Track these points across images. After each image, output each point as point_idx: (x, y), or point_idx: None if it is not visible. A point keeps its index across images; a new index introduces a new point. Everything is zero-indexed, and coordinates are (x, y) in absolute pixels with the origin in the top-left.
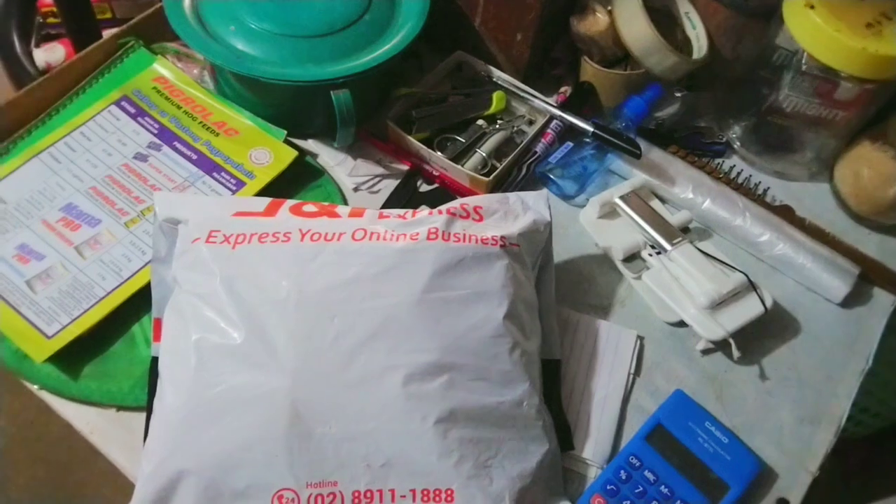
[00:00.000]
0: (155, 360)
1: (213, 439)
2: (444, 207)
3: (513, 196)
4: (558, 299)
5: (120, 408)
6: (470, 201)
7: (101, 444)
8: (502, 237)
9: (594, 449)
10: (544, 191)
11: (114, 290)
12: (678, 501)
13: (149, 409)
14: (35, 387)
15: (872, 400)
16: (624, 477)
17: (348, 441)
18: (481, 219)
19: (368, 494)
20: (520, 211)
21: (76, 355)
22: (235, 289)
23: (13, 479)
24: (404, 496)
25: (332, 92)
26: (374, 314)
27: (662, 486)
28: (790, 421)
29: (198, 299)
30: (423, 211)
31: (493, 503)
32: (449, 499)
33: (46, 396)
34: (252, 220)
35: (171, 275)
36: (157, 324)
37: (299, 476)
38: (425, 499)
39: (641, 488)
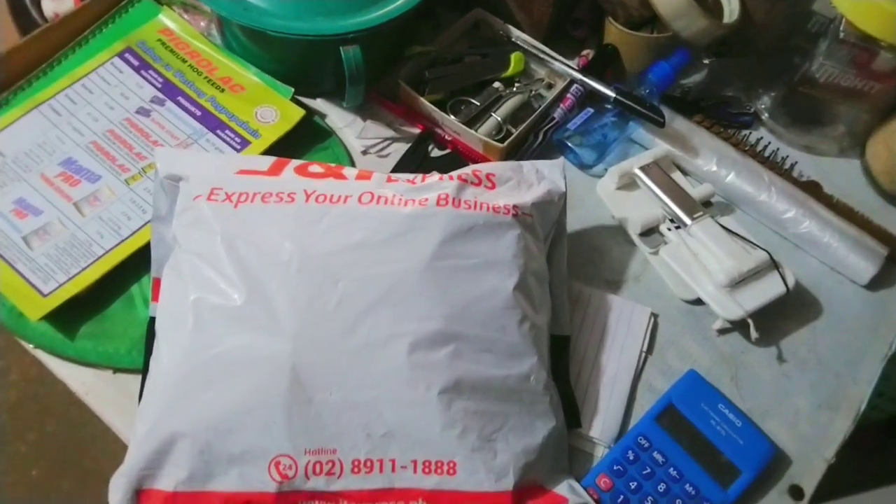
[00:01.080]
0: (153, 320)
1: (210, 402)
2: (455, 173)
3: (527, 164)
4: (570, 273)
5: (117, 369)
6: (482, 168)
7: (97, 405)
8: (515, 206)
9: (602, 428)
10: (560, 160)
11: (113, 248)
12: (687, 485)
13: (145, 371)
14: (30, 346)
15: (890, 384)
16: (632, 457)
17: (349, 409)
18: (493, 186)
19: (368, 463)
20: (534, 180)
21: (73, 315)
22: (236, 249)
23: (23, 435)
24: (405, 466)
25: (341, 48)
26: (380, 280)
27: (671, 469)
28: (807, 406)
29: (197, 258)
30: (433, 176)
31: (496, 477)
32: (451, 471)
33: (42, 356)
34: (255, 179)
35: (171, 233)
36: (157, 284)
37: (297, 442)
38: (426, 469)
39: (649, 470)
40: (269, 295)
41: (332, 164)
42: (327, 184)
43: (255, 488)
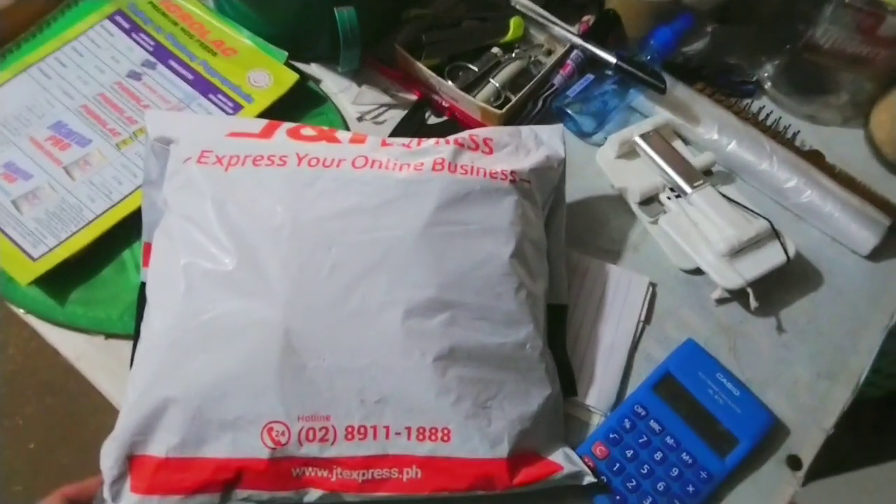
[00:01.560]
0: (143, 286)
1: (202, 367)
2: (451, 138)
3: (526, 129)
4: (568, 241)
5: (108, 335)
6: (480, 132)
7: (89, 371)
8: (512, 172)
9: (598, 396)
10: (560, 125)
11: (103, 213)
12: (684, 453)
13: (136, 337)
14: (21, 311)
15: (888, 360)
16: (628, 426)
17: (343, 375)
18: (491, 151)
19: (362, 430)
20: (532, 146)
21: (64, 280)
22: (227, 213)
23: (22, 408)
24: (399, 433)
25: (336, 9)
26: (374, 246)
27: (668, 437)
28: (806, 376)
29: (188, 222)
30: (430, 140)
31: (490, 444)
32: (445, 437)
33: (33, 321)
34: (247, 142)
35: (162, 197)
36: (147, 249)
37: (290, 408)
38: (421, 436)
39: (646, 438)
40: (261, 260)
41: (326, 128)
42: (320, 147)
43: (248, 454)
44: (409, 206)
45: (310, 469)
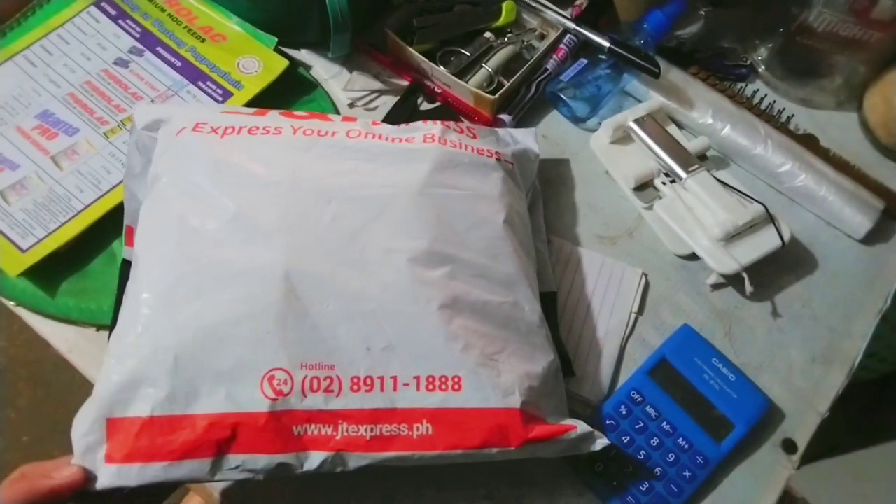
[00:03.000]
0: (126, 264)
1: (197, 313)
2: (438, 122)
3: (501, 131)
4: (562, 228)
5: (99, 327)
6: (463, 122)
7: (80, 362)
8: (497, 152)
9: (591, 387)
10: (532, 129)
11: (92, 203)
12: (680, 438)
13: (116, 309)
14: (11, 303)
15: (881, 344)
16: (624, 412)
17: (347, 321)
18: (475, 137)
19: (368, 381)
20: (510, 142)
21: (53, 271)
22: (223, 171)
23: (13, 401)
24: (407, 384)
25: None
26: (374, 201)
27: (664, 423)
28: (801, 360)
29: (183, 183)
30: (418, 122)
31: (502, 395)
32: (456, 386)
33: (23, 313)
34: (241, 117)
35: (150, 177)
36: (129, 231)
37: (293, 355)
38: (430, 386)
39: (642, 424)
40: (260, 211)
41: (317, 112)
42: (313, 122)
43: (246, 408)
44: (405, 169)
45: (313, 426)
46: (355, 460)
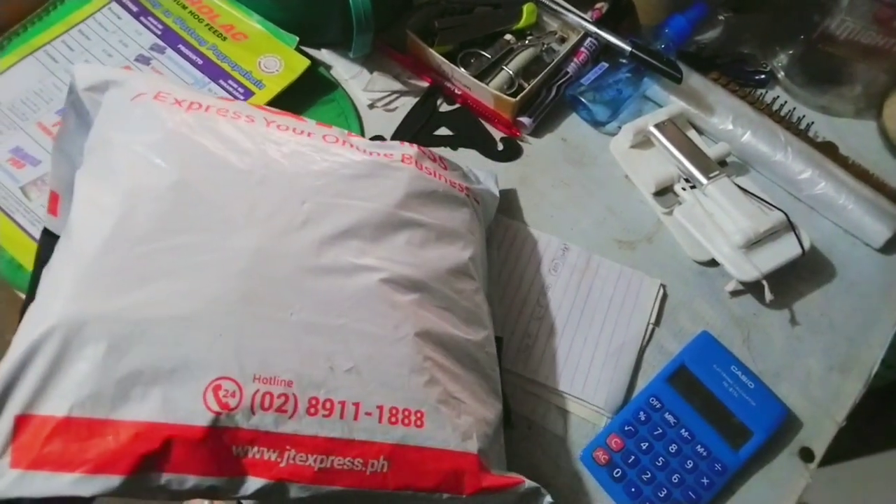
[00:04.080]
0: (45, 233)
1: (137, 304)
2: (414, 145)
3: (465, 168)
4: (581, 234)
5: None
6: (434, 152)
7: None
8: (467, 187)
9: (606, 398)
10: (494, 173)
11: None
12: (698, 445)
13: (33, 286)
14: None
15: (891, 352)
16: (643, 418)
17: (312, 334)
18: (446, 168)
19: (328, 405)
20: (474, 180)
21: None
22: (186, 147)
23: None
24: (370, 413)
25: None
26: (348, 212)
27: (682, 430)
28: (819, 368)
29: (135, 152)
30: (394, 141)
31: (461, 437)
32: (419, 422)
33: None
34: (208, 97)
35: (94, 141)
36: (54, 198)
37: (246, 365)
38: (393, 419)
39: (660, 430)
40: (226, 200)
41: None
42: (287, 119)
43: (182, 419)
44: (380, 185)
45: (256, 449)
46: (297, 491)
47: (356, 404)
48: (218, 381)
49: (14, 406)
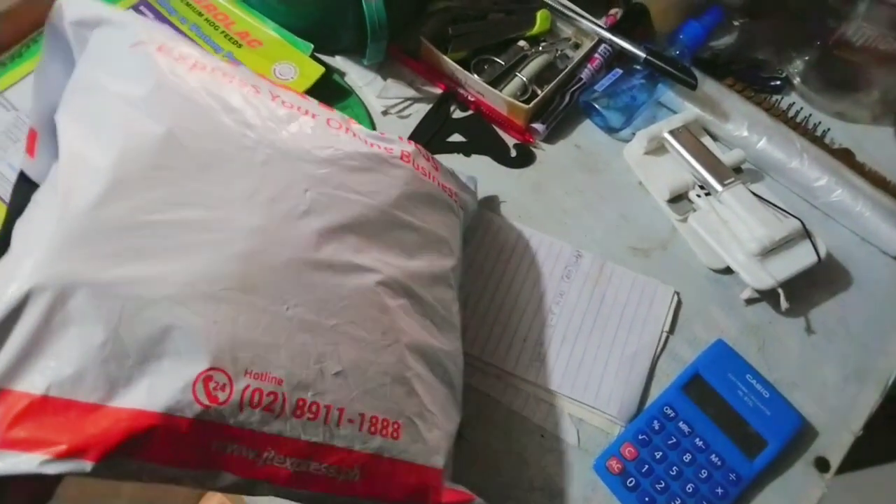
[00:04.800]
0: (23, 180)
1: (135, 277)
2: (412, 142)
3: (452, 171)
4: (595, 241)
5: None
6: (426, 150)
7: None
8: (455, 192)
9: (620, 406)
10: (475, 178)
11: None
12: (713, 455)
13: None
14: None
15: None
16: (657, 427)
17: (306, 332)
18: (437, 170)
19: (314, 408)
20: (460, 185)
21: None
22: (188, 111)
23: None
24: (353, 420)
25: (364, 0)
26: (348, 206)
27: (697, 439)
28: (835, 377)
29: (137, 103)
30: (393, 135)
31: (430, 452)
32: (395, 434)
33: None
34: (210, 57)
35: (84, 80)
36: (32, 136)
37: (239, 358)
38: (373, 428)
39: (675, 439)
40: (229, 177)
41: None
42: (291, 95)
43: (167, 409)
44: (380, 181)
45: (236, 446)
46: (264, 490)
47: (340, 410)
48: (209, 372)
49: None
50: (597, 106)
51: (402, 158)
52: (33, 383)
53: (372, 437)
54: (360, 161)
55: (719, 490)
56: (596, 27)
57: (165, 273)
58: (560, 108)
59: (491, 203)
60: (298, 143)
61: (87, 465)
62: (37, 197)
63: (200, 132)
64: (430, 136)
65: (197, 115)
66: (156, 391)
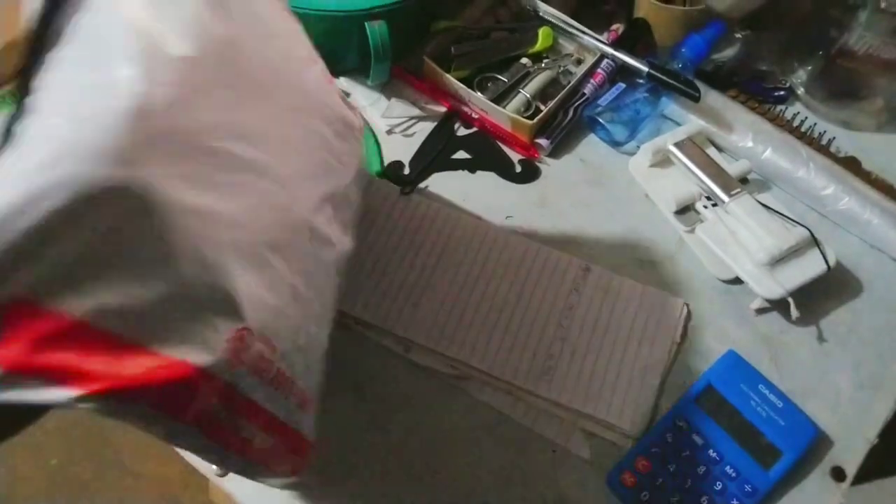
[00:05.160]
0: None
1: (205, 209)
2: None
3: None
4: (602, 253)
5: None
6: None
7: None
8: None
9: (632, 420)
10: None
11: None
12: (727, 466)
13: None
14: None
15: None
16: (670, 439)
17: (298, 302)
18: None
19: (282, 379)
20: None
21: None
22: (248, 21)
23: (43, 423)
24: (296, 395)
25: (367, 23)
26: (334, 174)
27: (711, 451)
28: (848, 386)
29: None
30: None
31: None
32: (308, 406)
33: None
34: None
35: None
36: None
37: (263, 319)
38: (303, 406)
39: (688, 452)
40: (267, 120)
41: None
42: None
43: (200, 361)
44: (350, 152)
45: (226, 414)
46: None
47: (293, 382)
48: (242, 331)
49: (17, 285)
50: (601, 120)
51: (356, 133)
52: (75, 305)
53: (302, 412)
54: (342, 127)
55: (735, 502)
56: (598, 43)
57: (231, 214)
58: (564, 124)
59: (496, 219)
60: (318, 98)
61: (88, 402)
62: (71, 54)
63: (255, 53)
64: (435, 153)
65: (255, 30)
66: (193, 341)
